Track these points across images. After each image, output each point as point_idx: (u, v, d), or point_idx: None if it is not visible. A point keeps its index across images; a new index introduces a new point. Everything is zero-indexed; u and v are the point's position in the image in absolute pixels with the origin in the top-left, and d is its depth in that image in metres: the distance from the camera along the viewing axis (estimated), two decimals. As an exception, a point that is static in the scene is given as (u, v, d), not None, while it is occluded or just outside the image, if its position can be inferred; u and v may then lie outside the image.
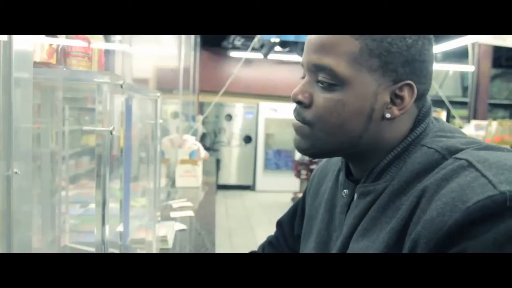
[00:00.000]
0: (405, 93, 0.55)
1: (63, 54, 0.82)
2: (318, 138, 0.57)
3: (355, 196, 0.60)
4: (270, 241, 0.92)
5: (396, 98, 0.55)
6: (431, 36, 0.57)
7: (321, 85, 0.56)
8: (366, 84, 0.54)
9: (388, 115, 0.55)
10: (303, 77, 0.60)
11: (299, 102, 0.58)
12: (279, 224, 0.89)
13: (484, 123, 3.94)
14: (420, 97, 0.57)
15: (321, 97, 0.56)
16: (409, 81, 0.54)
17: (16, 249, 0.56)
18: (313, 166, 4.90)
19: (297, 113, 0.59)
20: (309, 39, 0.57)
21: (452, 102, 4.44)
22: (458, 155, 0.50)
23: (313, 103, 0.57)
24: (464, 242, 0.43)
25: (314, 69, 0.56)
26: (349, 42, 0.53)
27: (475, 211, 0.43)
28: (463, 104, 5.25)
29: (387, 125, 0.56)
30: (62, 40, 0.82)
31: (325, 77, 0.55)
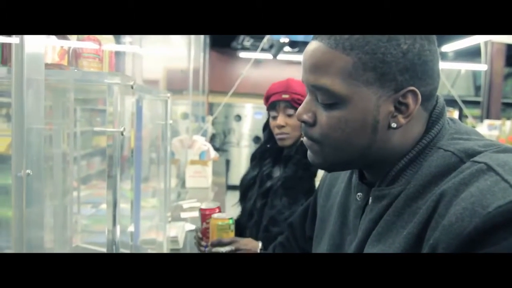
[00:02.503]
0: (409, 99, 0.53)
1: (74, 56, 0.83)
2: (328, 154, 0.57)
3: (370, 200, 0.59)
4: (280, 242, 0.92)
5: (400, 106, 0.54)
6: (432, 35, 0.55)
7: (322, 104, 0.56)
8: (365, 98, 0.53)
9: (394, 125, 0.54)
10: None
11: (304, 122, 0.58)
12: (290, 225, 0.89)
13: (497, 122, 3.87)
14: (428, 98, 0.55)
15: (324, 116, 0.56)
16: (411, 88, 0.52)
17: (28, 249, 0.57)
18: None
19: (304, 132, 0.59)
20: (304, 59, 0.57)
21: (464, 102, 4.38)
22: (477, 158, 0.49)
23: (317, 122, 0.57)
24: (485, 248, 0.42)
25: (313, 89, 0.56)
26: (341, 59, 0.52)
27: (496, 217, 0.42)
28: (475, 104, 5.18)
29: (396, 132, 0.55)
30: (73, 42, 0.83)
31: (324, 97, 0.55)
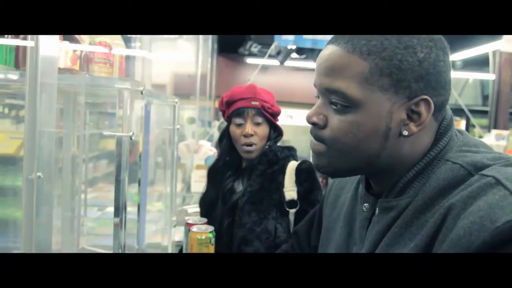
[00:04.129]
0: (422, 108, 0.53)
1: (86, 61, 0.84)
2: (335, 158, 0.57)
3: (377, 211, 0.58)
4: (285, 250, 0.92)
5: (413, 114, 0.54)
6: (446, 45, 0.56)
7: (335, 107, 0.55)
8: (379, 104, 0.53)
9: (405, 133, 0.54)
10: (317, 96, 0.59)
11: (314, 124, 0.58)
12: (295, 233, 0.88)
13: (505, 132, 3.84)
14: (439, 109, 0.55)
15: (336, 119, 0.55)
16: (424, 96, 0.53)
17: (37, 251, 0.57)
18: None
19: (314, 134, 0.59)
20: (319, 63, 0.57)
21: (472, 111, 4.35)
22: (485, 172, 0.49)
23: (328, 125, 0.56)
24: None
25: (327, 92, 0.56)
26: (358, 63, 0.52)
27: (504, 231, 0.42)
28: (483, 113, 5.14)
29: (406, 141, 0.55)
30: (85, 47, 0.84)
31: (338, 100, 0.54)
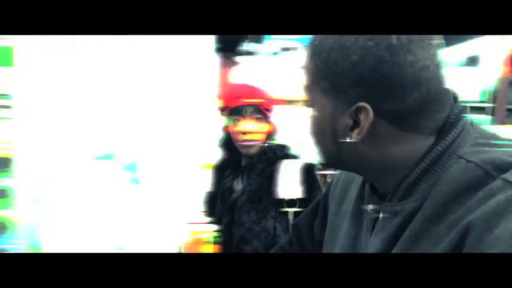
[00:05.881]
0: (362, 116, 0.48)
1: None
2: (316, 147, 0.58)
3: (380, 215, 0.52)
4: (281, 246, 0.88)
5: (358, 120, 0.49)
6: (396, 44, 0.45)
7: None
8: (323, 106, 0.51)
9: (347, 139, 0.50)
10: None
11: None
12: (295, 226, 0.83)
13: (502, 128, 3.85)
14: (402, 117, 0.47)
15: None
16: (361, 104, 0.47)
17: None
18: (326, 171, 4.83)
19: None
20: None
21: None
22: (510, 177, 0.41)
23: None
24: None
25: None
26: (308, 63, 0.52)
27: None
28: (480, 110, 5.16)
29: (365, 145, 0.50)
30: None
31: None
